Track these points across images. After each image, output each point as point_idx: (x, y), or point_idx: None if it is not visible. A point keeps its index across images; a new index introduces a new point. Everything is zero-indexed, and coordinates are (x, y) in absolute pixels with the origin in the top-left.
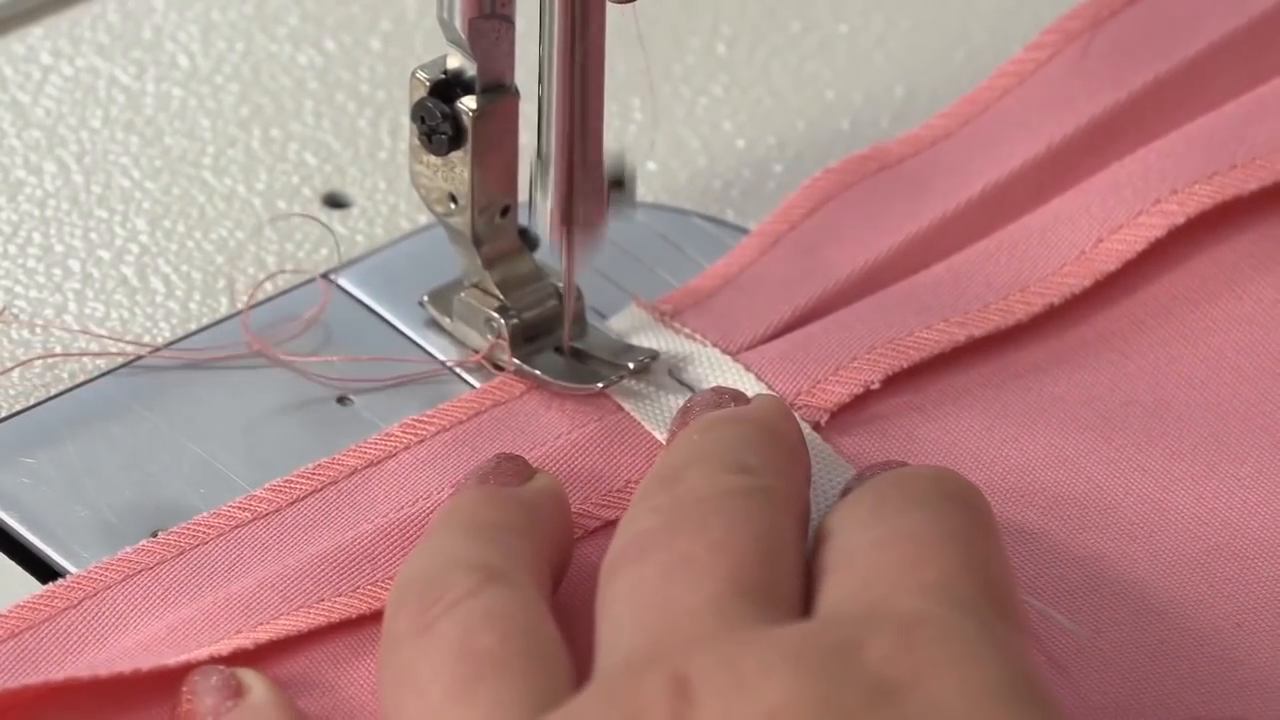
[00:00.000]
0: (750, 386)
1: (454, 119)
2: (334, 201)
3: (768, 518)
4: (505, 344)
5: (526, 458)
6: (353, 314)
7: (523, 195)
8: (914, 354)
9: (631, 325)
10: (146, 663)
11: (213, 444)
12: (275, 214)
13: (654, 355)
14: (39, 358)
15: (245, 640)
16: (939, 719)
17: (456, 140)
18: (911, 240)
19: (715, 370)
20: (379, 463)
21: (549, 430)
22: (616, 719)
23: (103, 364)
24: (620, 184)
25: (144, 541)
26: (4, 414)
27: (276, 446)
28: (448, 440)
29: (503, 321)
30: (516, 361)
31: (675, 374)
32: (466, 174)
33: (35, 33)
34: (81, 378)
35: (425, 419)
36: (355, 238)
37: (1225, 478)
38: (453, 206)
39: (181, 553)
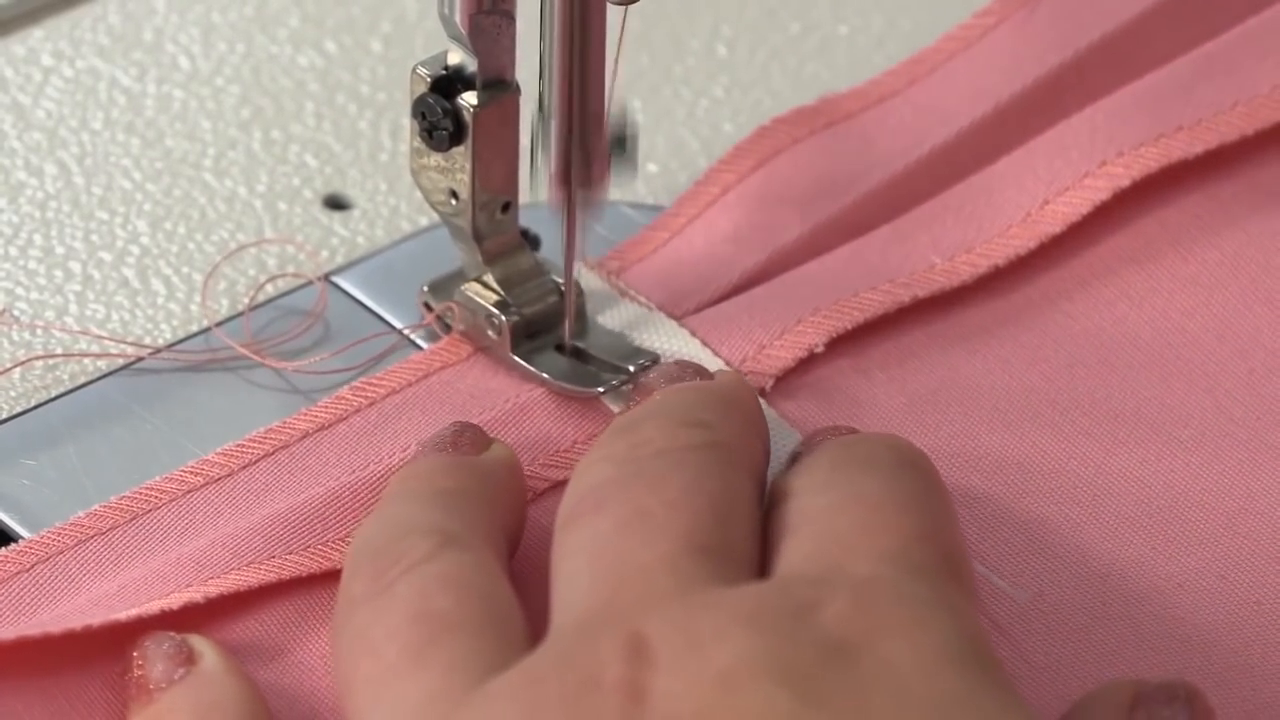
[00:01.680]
0: (696, 352)
1: (455, 115)
2: (335, 203)
3: (724, 476)
4: (499, 336)
5: (475, 419)
6: (354, 315)
7: (524, 195)
8: (858, 315)
9: (581, 287)
10: (97, 618)
11: (213, 445)
12: (276, 216)
13: (655, 358)
14: (39, 358)
15: (195, 594)
16: (892, 679)
17: (457, 136)
18: (859, 201)
19: (662, 335)
20: (330, 426)
21: (498, 393)
22: (572, 679)
23: (103, 366)
24: (622, 144)
25: (96, 506)
26: (4, 415)
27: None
28: (397, 403)
29: (503, 318)
30: (459, 325)
31: (623, 338)
32: (467, 170)
33: (36, 34)
34: (82, 379)
35: (374, 381)
36: (356, 239)
37: (1168, 439)
38: (453, 203)
39: (134, 517)
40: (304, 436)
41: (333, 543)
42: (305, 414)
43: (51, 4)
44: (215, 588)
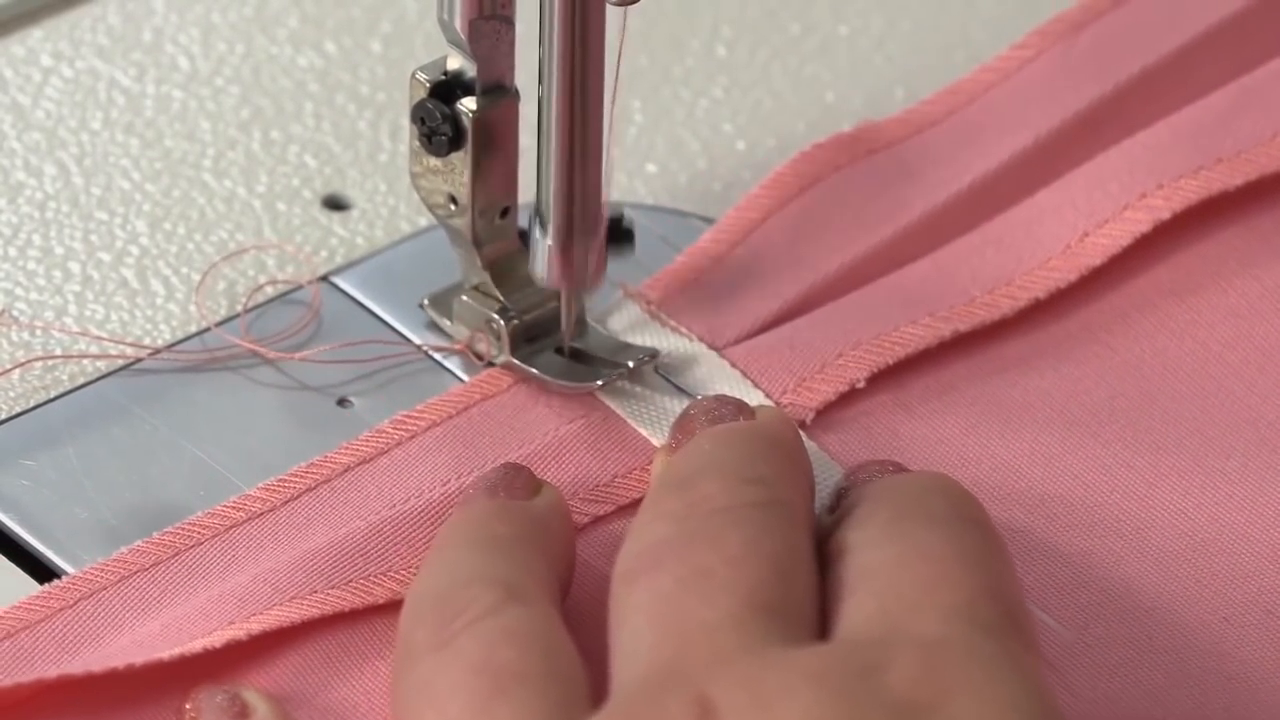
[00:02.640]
0: (736, 384)
1: (454, 120)
2: (334, 204)
3: (783, 533)
4: (498, 340)
5: (514, 453)
6: (353, 316)
7: (523, 197)
8: (899, 350)
9: (618, 316)
10: (140, 658)
11: (212, 446)
12: (275, 216)
13: (654, 354)
14: (39, 359)
15: (238, 631)
16: None
17: (456, 142)
18: (899, 233)
19: (702, 368)
20: (371, 459)
21: (537, 426)
22: None
23: (102, 366)
24: (618, 236)
25: (139, 542)
26: (4, 416)
27: (276, 449)
28: (438, 435)
29: (502, 323)
30: (504, 355)
31: (662, 370)
32: (466, 175)
33: (35, 35)
34: (81, 380)
35: (415, 414)
36: (355, 240)
37: (1211, 471)
38: (453, 208)
39: (177, 553)
40: (345, 470)
41: (375, 577)
42: (346, 448)
43: (51, 4)
44: (258, 624)
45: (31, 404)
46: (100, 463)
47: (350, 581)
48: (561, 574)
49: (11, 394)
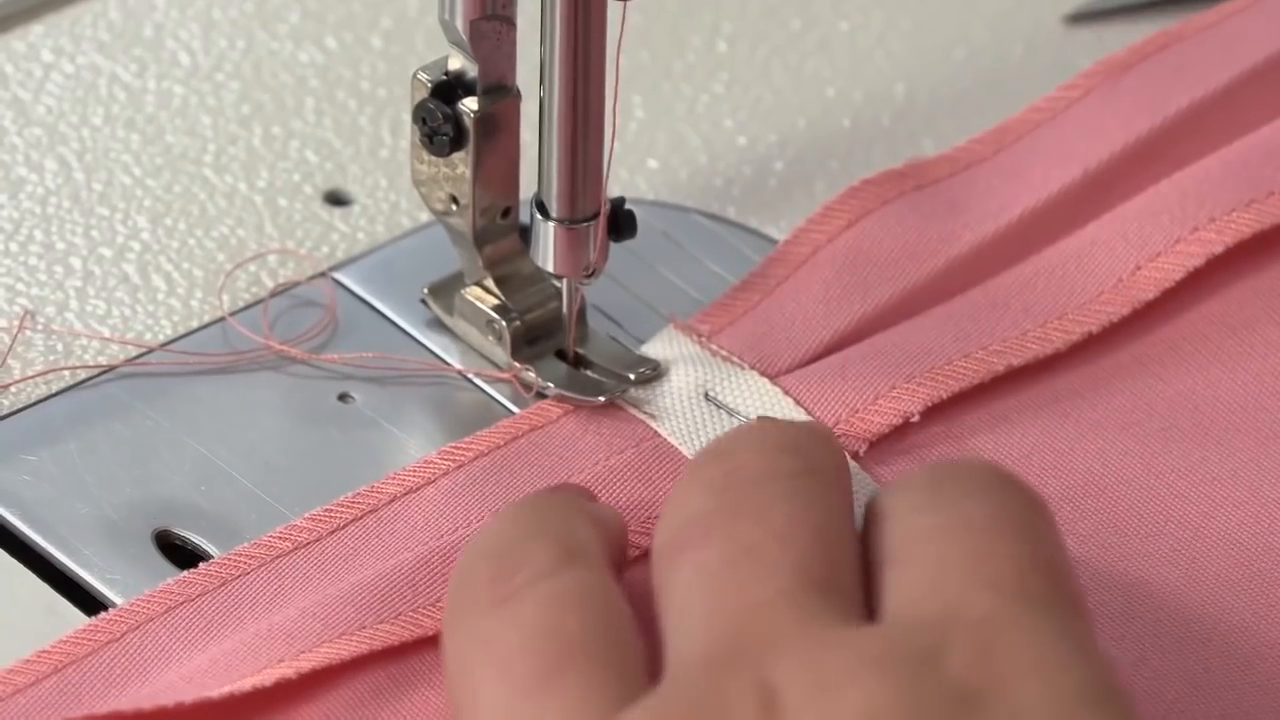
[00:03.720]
0: (789, 412)
1: (455, 120)
2: (335, 199)
3: (825, 503)
4: (499, 341)
5: (564, 482)
6: (354, 311)
7: (524, 196)
8: (953, 384)
9: (668, 347)
10: (189, 695)
11: (213, 442)
12: (276, 212)
13: (656, 366)
14: (50, 371)
15: (288, 669)
16: None
17: (458, 141)
18: (949, 264)
19: (754, 394)
20: (418, 489)
21: (587, 456)
22: None
23: (104, 361)
24: (619, 229)
25: (185, 573)
26: (6, 411)
27: (277, 444)
28: (486, 465)
29: (504, 323)
30: (542, 382)
31: (713, 398)
32: (468, 175)
33: (36, 30)
34: (83, 375)
35: (464, 445)
36: (356, 235)
37: (1267, 501)
38: (454, 207)
39: (223, 583)
40: (392, 500)
41: (423, 609)
42: (394, 477)
43: (52, 0)
44: (307, 662)
45: (33, 399)
46: (101, 458)
47: (399, 615)
48: (615, 556)
49: (13, 389)
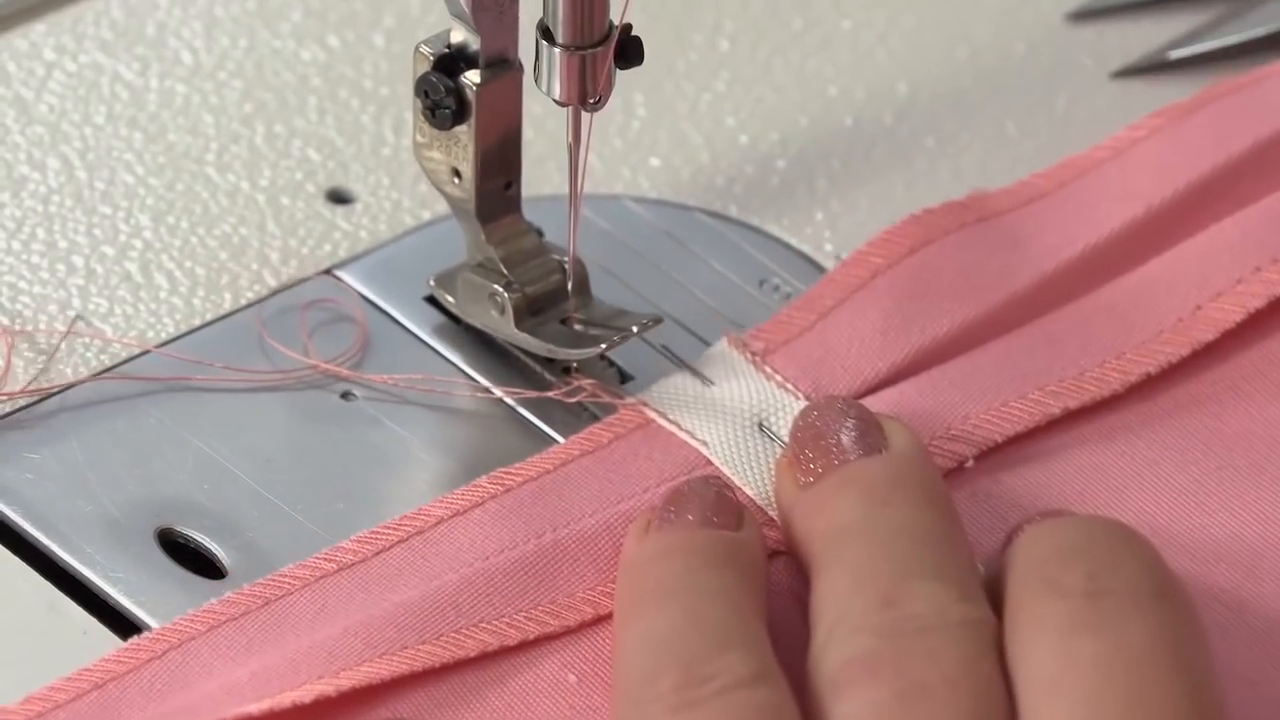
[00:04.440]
0: None
1: (458, 93)
2: (337, 197)
3: (989, 652)
4: (502, 313)
5: (612, 508)
6: (356, 309)
7: (526, 171)
8: (1008, 428)
9: (722, 366)
10: (229, 709)
11: (215, 440)
12: (279, 210)
13: (657, 320)
14: (106, 374)
15: (327, 686)
16: None
17: (460, 114)
18: (1008, 299)
19: None
20: (465, 512)
21: (637, 482)
22: None
23: (106, 360)
24: (626, 55)
25: (229, 594)
26: (8, 410)
27: (279, 442)
28: (534, 490)
29: (506, 295)
30: (605, 393)
31: (765, 426)
32: (470, 148)
33: (39, 29)
34: (84, 373)
35: (513, 471)
36: (359, 233)
37: None
38: (456, 181)
39: (266, 603)
40: (438, 523)
41: (465, 630)
42: (440, 501)
43: None
44: (347, 680)
45: (36, 397)
46: (104, 455)
47: (441, 635)
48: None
49: (15, 387)
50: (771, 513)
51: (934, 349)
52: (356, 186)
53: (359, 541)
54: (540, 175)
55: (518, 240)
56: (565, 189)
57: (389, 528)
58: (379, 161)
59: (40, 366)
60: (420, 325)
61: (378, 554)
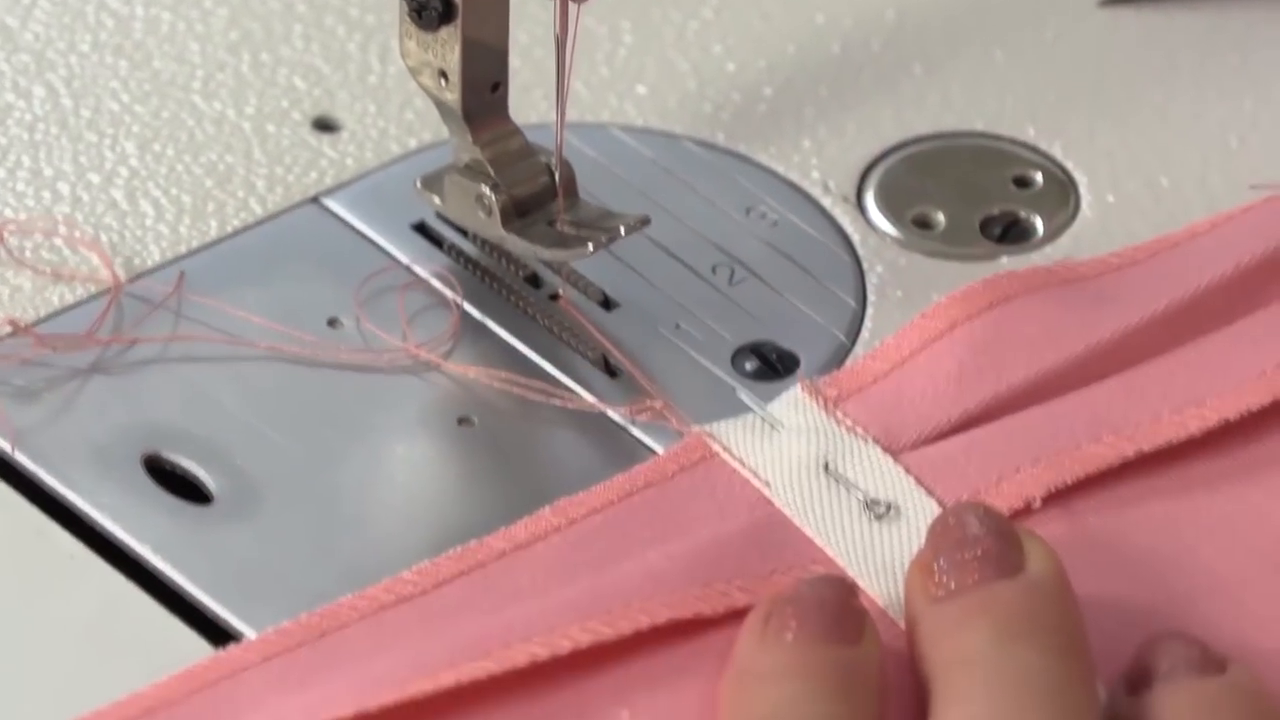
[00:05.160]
0: (908, 491)
1: None
2: (323, 125)
3: None
4: (489, 215)
5: (674, 541)
6: (342, 238)
7: (512, 99)
8: (1079, 469)
9: (792, 410)
10: None
11: (203, 370)
12: (265, 138)
13: (645, 220)
14: (187, 336)
15: (374, 709)
16: None
17: (447, 15)
18: (1089, 351)
19: (874, 470)
20: (527, 546)
21: (699, 521)
22: None
23: (93, 288)
24: None
25: (286, 623)
26: None
27: (266, 373)
28: (597, 524)
29: (493, 197)
30: (684, 423)
31: (832, 469)
32: (456, 49)
33: None
34: (70, 301)
35: (576, 501)
36: (345, 161)
37: None
38: (443, 83)
39: (322, 635)
40: (500, 556)
41: (524, 646)
42: (502, 534)
43: None
44: (391, 698)
45: (22, 324)
46: (90, 382)
47: (490, 654)
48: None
49: (1, 314)
50: (831, 553)
51: (1010, 399)
52: (343, 114)
53: (418, 573)
54: (527, 104)
55: (505, 142)
56: (552, 118)
57: (450, 559)
58: (365, 89)
59: (27, 293)
60: (406, 252)
61: (437, 587)
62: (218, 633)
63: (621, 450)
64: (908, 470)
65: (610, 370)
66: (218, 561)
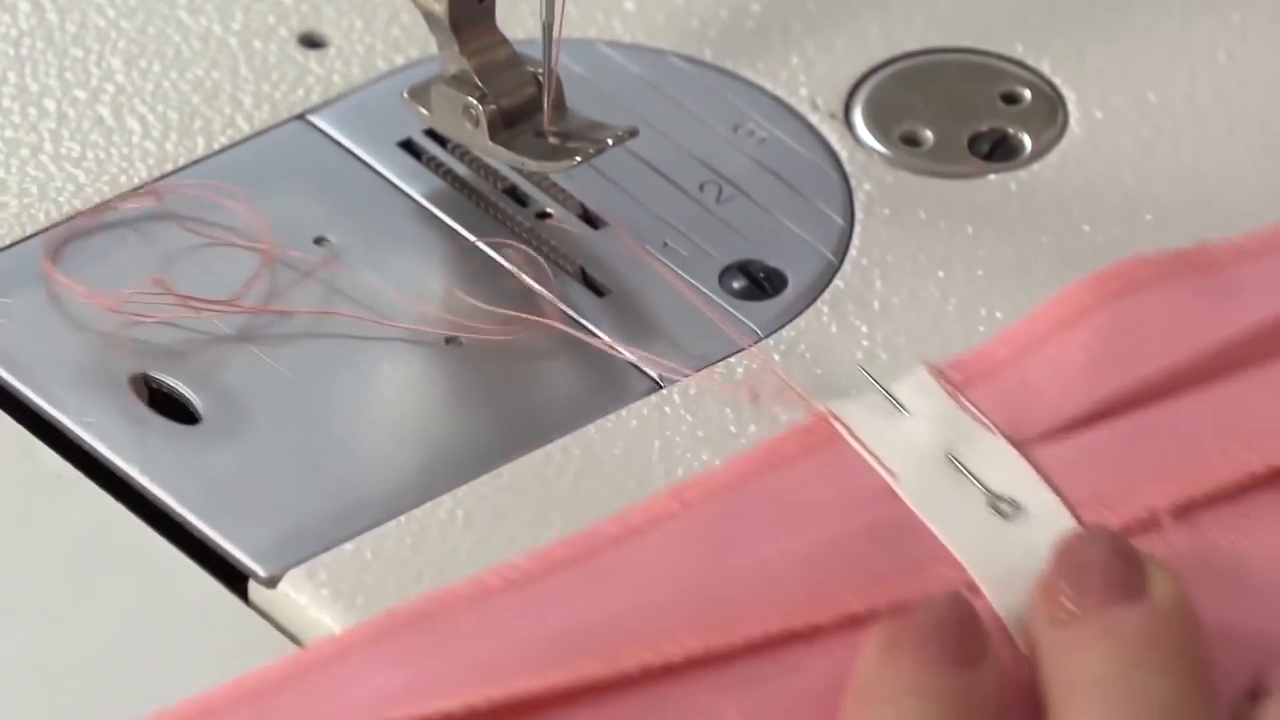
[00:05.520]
0: (1032, 486)
1: None
2: (310, 41)
3: None
4: (476, 126)
5: (792, 539)
6: (329, 155)
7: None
8: (1206, 484)
9: (916, 394)
10: (374, 717)
11: (184, 281)
12: (251, 54)
13: (633, 131)
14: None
15: (477, 698)
16: None
17: None
18: (1222, 345)
19: (997, 462)
20: (642, 532)
21: (820, 514)
22: None
23: (79, 204)
24: None
25: (394, 606)
26: None
27: (256, 289)
28: (714, 511)
29: (480, 108)
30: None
31: (952, 457)
32: None
33: None
34: (56, 218)
35: (693, 483)
36: (332, 78)
37: None
38: None
39: (429, 617)
40: (613, 543)
41: (629, 649)
42: (616, 519)
43: None
44: (498, 691)
45: (6, 242)
46: (78, 300)
47: (601, 651)
48: None
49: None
50: (956, 553)
51: (1138, 392)
52: (329, 30)
53: (530, 559)
54: (514, 19)
55: (492, 52)
56: (539, 34)
57: (563, 545)
58: (351, 5)
59: (14, 211)
60: (393, 170)
61: (548, 573)
62: (205, 552)
63: (610, 371)
64: (1034, 467)
65: (597, 290)
66: (205, 481)
